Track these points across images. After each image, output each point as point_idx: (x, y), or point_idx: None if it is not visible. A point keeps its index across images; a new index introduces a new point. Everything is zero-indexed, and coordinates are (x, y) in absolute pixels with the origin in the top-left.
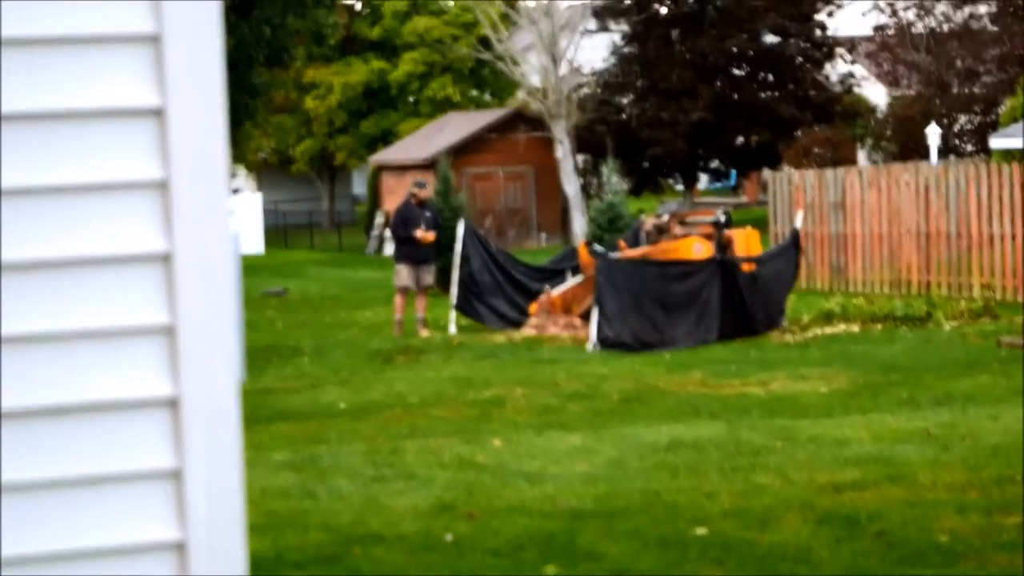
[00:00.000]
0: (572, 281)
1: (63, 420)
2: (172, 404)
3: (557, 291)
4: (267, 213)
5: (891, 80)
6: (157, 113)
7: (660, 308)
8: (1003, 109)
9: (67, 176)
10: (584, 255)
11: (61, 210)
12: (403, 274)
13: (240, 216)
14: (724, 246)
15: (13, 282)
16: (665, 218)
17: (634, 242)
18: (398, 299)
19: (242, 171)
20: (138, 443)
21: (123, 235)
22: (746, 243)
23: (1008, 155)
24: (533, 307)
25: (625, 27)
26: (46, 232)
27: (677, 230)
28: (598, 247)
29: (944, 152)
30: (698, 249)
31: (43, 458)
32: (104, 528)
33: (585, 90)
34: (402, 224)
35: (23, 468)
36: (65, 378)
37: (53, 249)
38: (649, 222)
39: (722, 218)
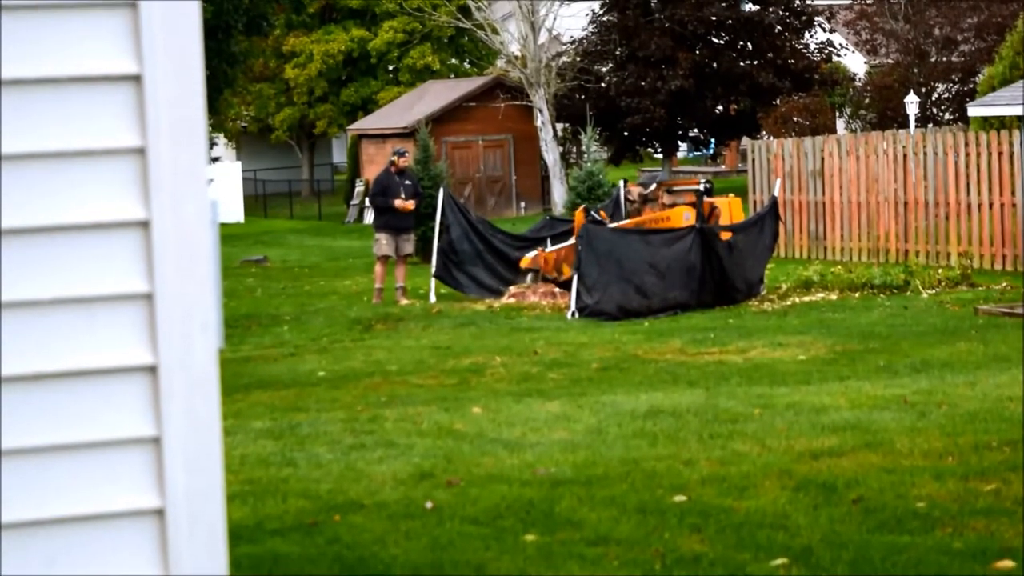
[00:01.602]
0: (568, 242)
1: (41, 388)
2: (151, 372)
3: (551, 249)
4: (247, 182)
5: (869, 48)
6: (135, 79)
7: (640, 276)
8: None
9: (44, 143)
10: (580, 219)
11: (38, 177)
12: (383, 243)
13: (220, 185)
14: (709, 215)
15: None
16: (652, 187)
17: (614, 210)
18: (378, 268)
19: (221, 140)
20: (116, 411)
21: (100, 202)
22: (729, 212)
23: (986, 123)
24: (525, 260)
25: None
26: (23, 199)
27: (665, 199)
28: (596, 213)
29: (922, 120)
30: (688, 218)
31: (21, 426)
32: (83, 496)
33: (564, 58)
34: (381, 193)
35: (3, 436)
36: (43, 346)
37: (30, 216)
38: (635, 191)
39: (703, 187)
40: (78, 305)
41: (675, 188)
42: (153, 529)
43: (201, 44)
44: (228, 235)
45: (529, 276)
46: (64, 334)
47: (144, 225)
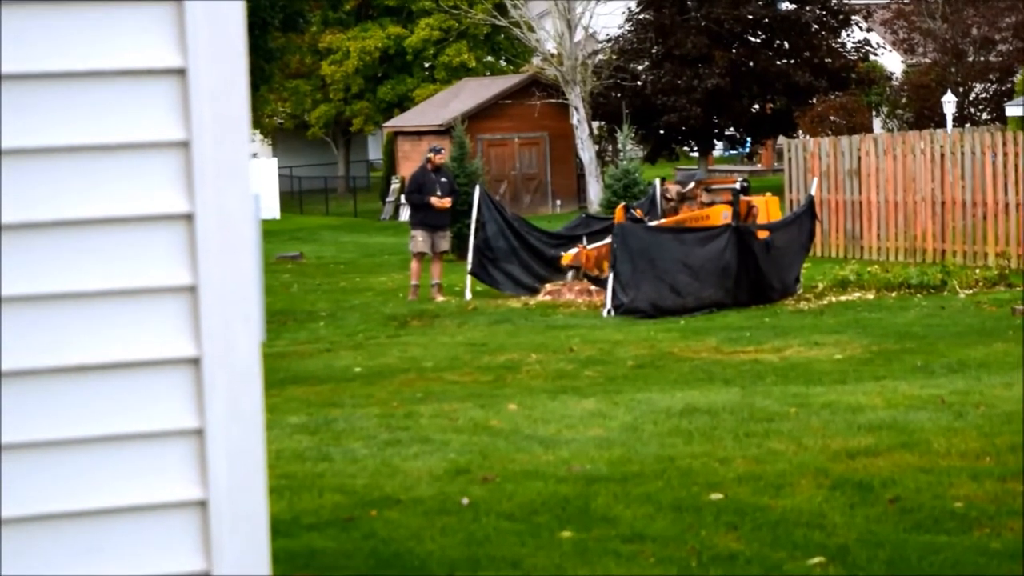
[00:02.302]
0: (609, 239)
1: (86, 379)
2: (194, 364)
3: (592, 247)
4: (282, 178)
5: (907, 48)
6: (180, 73)
7: (675, 274)
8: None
9: (90, 136)
10: (620, 217)
11: (84, 170)
12: (419, 240)
13: (255, 181)
14: (747, 214)
15: (38, 241)
16: (691, 185)
17: (650, 209)
18: (414, 264)
19: (258, 136)
20: (160, 403)
21: (145, 196)
22: (766, 210)
23: None
24: (567, 257)
25: None
26: (69, 192)
27: (703, 197)
28: (634, 211)
29: (959, 120)
30: (726, 216)
31: (67, 417)
32: (127, 487)
33: (600, 56)
34: (417, 190)
35: (49, 427)
36: (88, 337)
37: (76, 209)
38: (673, 189)
39: (739, 186)
40: (123, 297)
41: (713, 187)
42: (196, 520)
43: (245, 38)
44: (264, 231)
45: (570, 273)
46: (109, 326)
47: (188, 218)
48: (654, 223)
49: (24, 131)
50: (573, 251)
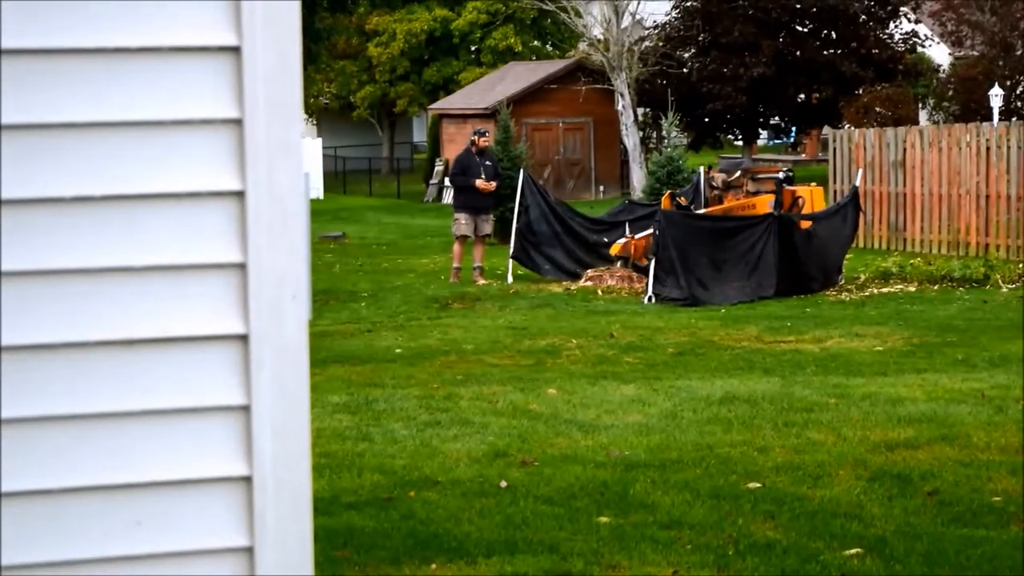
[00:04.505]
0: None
1: (135, 353)
2: (242, 341)
3: (640, 236)
4: (327, 158)
5: (955, 40)
6: (234, 51)
7: (715, 263)
8: None
9: (144, 112)
10: (667, 204)
11: (136, 146)
12: (462, 223)
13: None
14: (792, 203)
15: (89, 216)
16: (737, 174)
17: (694, 196)
18: (456, 247)
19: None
20: (207, 379)
21: (197, 172)
22: (810, 200)
23: None
24: (616, 248)
25: None
26: (122, 167)
27: (749, 186)
28: (680, 199)
29: (1006, 114)
30: (773, 206)
31: (116, 390)
32: (172, 461)
33: (647, 43)
34: (462, 172)
35: (97, 400)
36: (137, 312)
37: (128, 184)
38: (719, 177)
39: (782, 175)
40: (172, 273)
41: (759, 175)
42: (240, 496)
43: (299, 16)
44: None
45: (619, 263)
46: (158, 302)
47: (239, 196)
48: (701, 211)
49: (80, 106)
50: (622, 241)
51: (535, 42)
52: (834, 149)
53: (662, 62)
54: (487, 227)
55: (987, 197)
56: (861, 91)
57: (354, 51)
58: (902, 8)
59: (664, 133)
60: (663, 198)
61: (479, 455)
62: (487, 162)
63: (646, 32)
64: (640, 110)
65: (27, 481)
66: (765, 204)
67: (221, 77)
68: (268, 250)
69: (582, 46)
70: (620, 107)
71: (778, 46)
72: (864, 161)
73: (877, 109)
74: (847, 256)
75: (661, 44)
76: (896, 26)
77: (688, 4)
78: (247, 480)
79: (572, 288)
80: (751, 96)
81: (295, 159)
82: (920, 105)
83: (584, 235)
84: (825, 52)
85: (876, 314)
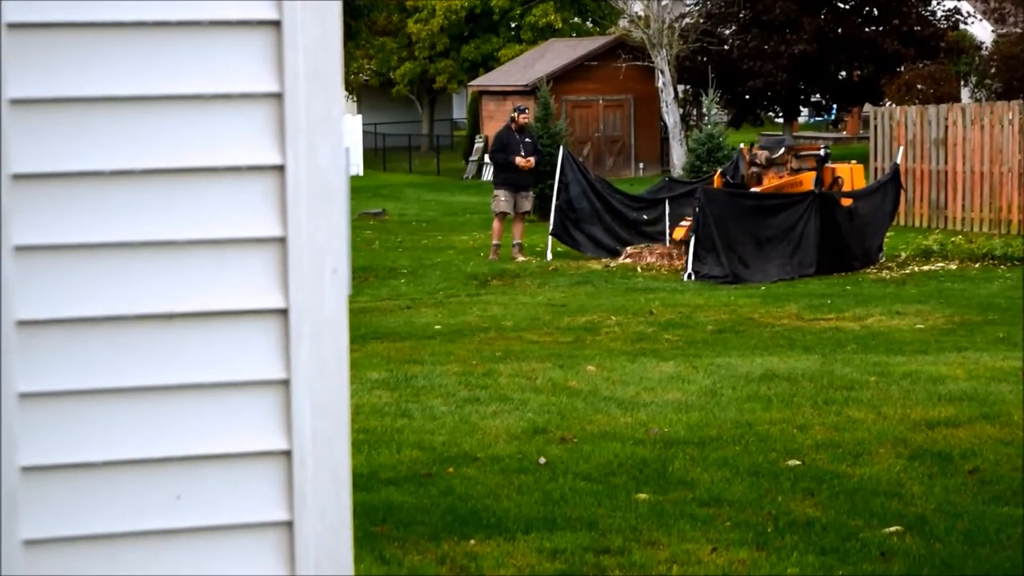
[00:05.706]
0: None
1: (175, 328)
2: (282, 315)
3: None
4: (366, 135)
5: (997, 17)
6: (275, 25)
7: (757, 240)
8: None
9: (184, 86)
10: (718, 184)
11: (177, 120)
12: (501, 199)
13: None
14: (832, 182)
15: (129, 190)
16: (780, 151)
17: (734, 173)
18: (496, 224)
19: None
20: (247, 353)
21: (237, 147)
22: (851, 178)
23: None
24: (679, 232)
25: None
26: (161, 142)
27: (793, 163)
28: (729, 177)
29: None
30: (813, 183)
31: (157, 364)
32: (212, 435)
33: (687, 20)
34: (502, 149)
35: (138, 374)
36: (178, 286)
37: (169, 158)
38: (762, 155)
39: (822, 152)
40: (213, 247)
41: (802, 153)
42: (279, 471)
43: None
44: None
45: (683, 248)
46: (198, 275)
47: (279, 170)
48: (754, 189)
49: (120, 80)
50: (684, 224)
51: (575, 19)
52: (875, 127)
53: (703, 39)
54: (526, 204)
55: None
56: (903, 68)
57: (394, 28)
58: None
59: (704, 110)
60: (715, 177)
61: (518, 432)
62: (527, 139)
63: (686, 9)
64: (680, 87)
65: (68, 454)
66: (810, 181)
67: (262, 51)
68: (308, 224)
69: (622, 23)
70: (660, 84)
71: (819, 23)
72: (905, 139)
73: (919, 87)
74: (888, 234)
75: (702, 21)
76: (938, 3)
77: None
78: (287, 454)
79: (611, 265)
80: (792, 73)
81: (335, 134)
82: (962, 83)
83: (624, 212)
84: (867, 29)
85: (917, 292)
